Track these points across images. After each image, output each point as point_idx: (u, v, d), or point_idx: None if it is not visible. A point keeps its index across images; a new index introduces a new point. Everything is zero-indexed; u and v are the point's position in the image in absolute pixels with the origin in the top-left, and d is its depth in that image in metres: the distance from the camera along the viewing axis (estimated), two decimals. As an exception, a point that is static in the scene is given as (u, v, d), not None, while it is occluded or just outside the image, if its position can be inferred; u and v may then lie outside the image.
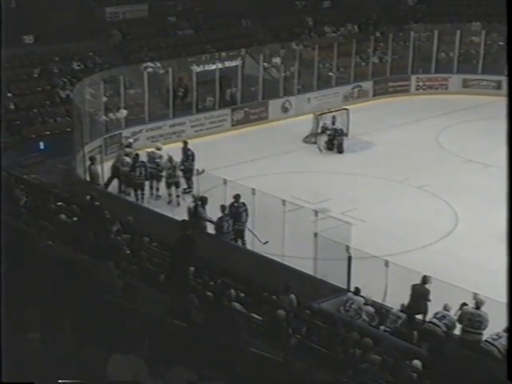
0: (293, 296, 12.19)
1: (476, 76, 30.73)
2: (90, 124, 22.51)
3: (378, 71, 30.66)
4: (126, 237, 13.18)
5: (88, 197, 14.19)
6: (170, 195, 19.65)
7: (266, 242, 16.81)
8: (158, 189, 20.04)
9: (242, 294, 11.81)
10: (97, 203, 13.97)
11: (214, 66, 26.84)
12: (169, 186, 19.67)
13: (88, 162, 19.52)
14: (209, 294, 10.99)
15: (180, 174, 19.72)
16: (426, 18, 31.93)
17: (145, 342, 6.52)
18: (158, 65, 26.48)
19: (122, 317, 7.59)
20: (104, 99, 24.11)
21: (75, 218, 13.29)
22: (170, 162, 19.61)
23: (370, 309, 13.36)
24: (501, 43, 30.75)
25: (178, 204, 19.33)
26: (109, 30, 27.78)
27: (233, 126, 26.68)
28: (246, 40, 29.59)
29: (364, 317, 13.24)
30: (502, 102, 25.67)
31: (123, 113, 24.38)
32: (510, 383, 6.29)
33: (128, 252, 12.50)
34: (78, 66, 25.96)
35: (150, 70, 25.97)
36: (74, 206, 14.04)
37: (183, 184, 19.83)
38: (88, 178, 19.28)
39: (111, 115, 24.20)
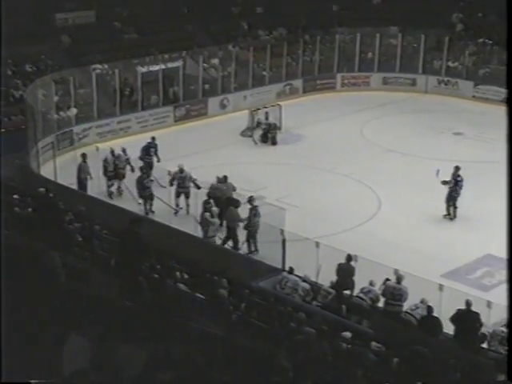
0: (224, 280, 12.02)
1: (394, 74, 31.09)
2: (43, 122, 22.11)
3: (307, 70, 30.74)
4: (78, 225, 12.99)
5: (42, 189, 13.93)
6: (177, 205, 18.35)
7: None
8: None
9: (187, 276, 11.76)
10: (51, 195, 13.75)
11: (157, 67, 26.57)
12: (178, 195, 18.34)
13: (79, 160, 19.03)
14: (156, 276, 10.90)
15: (191, 184, 18.27)
16: (350, 22, 32.13)
17: (96, 323, 6.44)
18: (106, 66, 26.10)
19: (75, 300, 7.49)
20: (55, 99, 23.67)
21: (30, 209, 13.02)
22: (181, 172, 18.28)
23: (306, 285, 13.46)
24: (415, 45, 31.27)
25: (188, 213, 18.19)
26: (59, 35, 27.26)
27: (175, 121, 26.48)
28: (187, 43, 29.30)
29: (300, 292, 13.32)
30: (417, 97, 26.24)
31: (73, 111, 23.98)
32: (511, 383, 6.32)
33: (80, 239, 12.33)
34: (31, 68, 25.43)
35: (98, 71, 25.58)
36: (29, 199, 13.77)
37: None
38: (77, 173, 18.88)
39: (62, 113, 23.78)
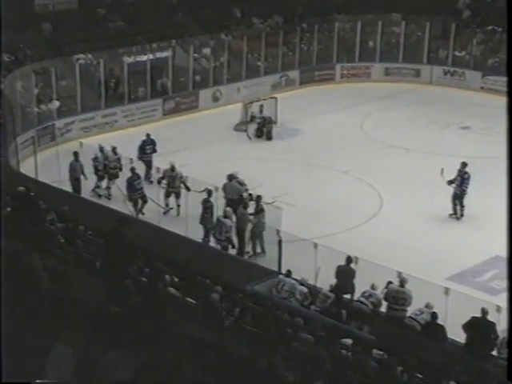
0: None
1: (397, 64, 31.14)
2: (22, 116, 22.12)
3: (304, 61, 30.79)
4: (61, 226, 13.01)
5: (22, 188, 13.93)
6: (167, 205, 18.36)
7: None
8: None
9: (177, 279, 11.79)
10: (31, 193, 13.76)
11: (145, 57, 26.57)
12: (168, 195, 18.34)
13: (72, 158, 18.82)
14: (144, 279, 10.93)
15: (181, 184, 18.10)
16: (349, 9, 32.18)
17: (80, 329, 6.47)
18: (90, 56, 26.07)
19: (57, 305, 7.51)
20: (35, 91, 23.65)
21: (8, 209, 13.01)
22: (172, 170, 18.21)
23: (304, 289, 13.47)
24: (419, 33, 31.33)
25: (178, 214, 18.24)
26: (39, 22, 27.18)
27: (164, 115, 26.48)
28: (177, 31, 29.29)
29: (298, 296, 13.35)
30: (422, 89, 26.26)
31: (55, 104, 23.96)
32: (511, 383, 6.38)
33: (63, 241, 12.34)
34: (9, 57, 25.35)
35: (81, 61, 25.55)
36: (8, 197, 13.75)
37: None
38: (69, 173, 18.73)
39: (43, 107, 23.76)
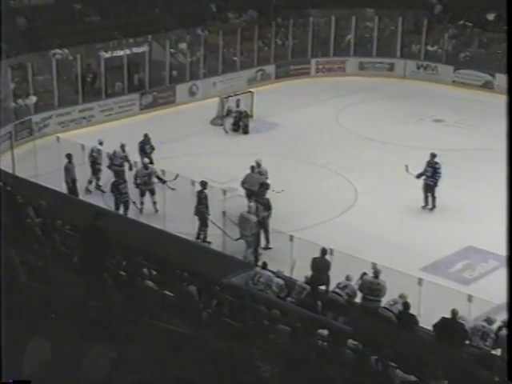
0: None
1: (371, 59, 31.27)
2: (-1, 111, 21.96)
3: (279, 55, 30.84)
4: (39, 220, 12.93)
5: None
6: (142, 203, 18.09)
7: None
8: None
9: (155, 273, 11.78)
10: (8, 188, 13.68)
11: (121, 52, 26.48)
12: (143, 193, 18.13)
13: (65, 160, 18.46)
14: (122, 273, 10.91)
15: (155, 180, 17.97)
16: (324, 3, 32.24)
17: (59, 324, 6.45)
18: (66, 51, 25.93)
19: (35, 301, 7.47)
20: (12, 86, 23.48)
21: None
22: (146, 168, 18.11)
23: (280, 281, 13.50)
24: (392, 28, 31.49)
25: (157, 211, 17.95)
26: (14, 17, 26.89)
27: (141, 109, 26.41)
28: (153, 26, 29.21)
29: (274, 288, 13.38)
30: (395, 83, 26.37)
31: (32, 99, 23.81)
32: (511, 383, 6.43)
33: (41, 235, 12.27)
34: (-16, 53, 25.17)
35: (58, 56, 25.40)
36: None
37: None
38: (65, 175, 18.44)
39: (20, 101, 23.60)
